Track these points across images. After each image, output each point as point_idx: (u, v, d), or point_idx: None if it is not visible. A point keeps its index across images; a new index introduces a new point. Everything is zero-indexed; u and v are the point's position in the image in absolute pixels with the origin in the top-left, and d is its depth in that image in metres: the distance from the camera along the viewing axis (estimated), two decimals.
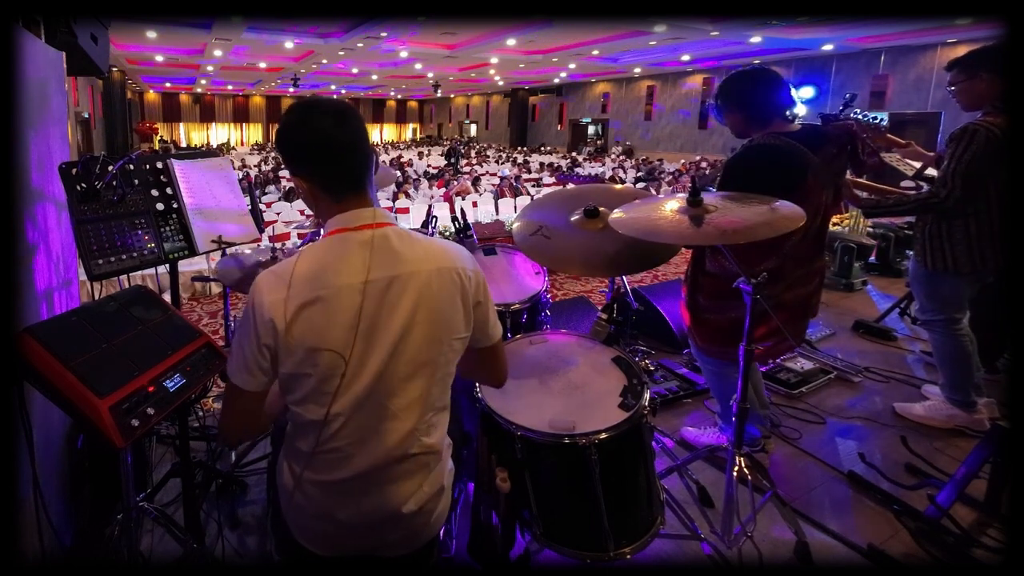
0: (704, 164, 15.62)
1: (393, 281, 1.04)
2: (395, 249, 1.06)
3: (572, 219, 1.94)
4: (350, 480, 1.07)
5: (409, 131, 36.45)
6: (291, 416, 1.09)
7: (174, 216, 1.86)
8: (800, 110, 2.34)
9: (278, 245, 6.33)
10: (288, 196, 9.89)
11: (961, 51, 2.51)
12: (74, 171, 1.66)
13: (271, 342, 1.00)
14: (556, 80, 22.35)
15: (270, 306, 0.99)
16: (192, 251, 1.86)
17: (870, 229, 5.42)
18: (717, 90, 2.11)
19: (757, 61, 15.46)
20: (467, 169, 14.90)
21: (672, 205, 1.60)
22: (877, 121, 2.47)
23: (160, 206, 1.83)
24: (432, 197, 10.11)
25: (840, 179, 2.04)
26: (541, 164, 16.65)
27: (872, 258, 5.11)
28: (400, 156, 19.11)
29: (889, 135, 2.73)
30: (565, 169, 15.27)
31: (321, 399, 1.03)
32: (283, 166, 16.58)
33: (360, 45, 13.35)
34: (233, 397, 1.07)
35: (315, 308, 1.00)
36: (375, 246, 1.05)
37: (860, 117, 2.46)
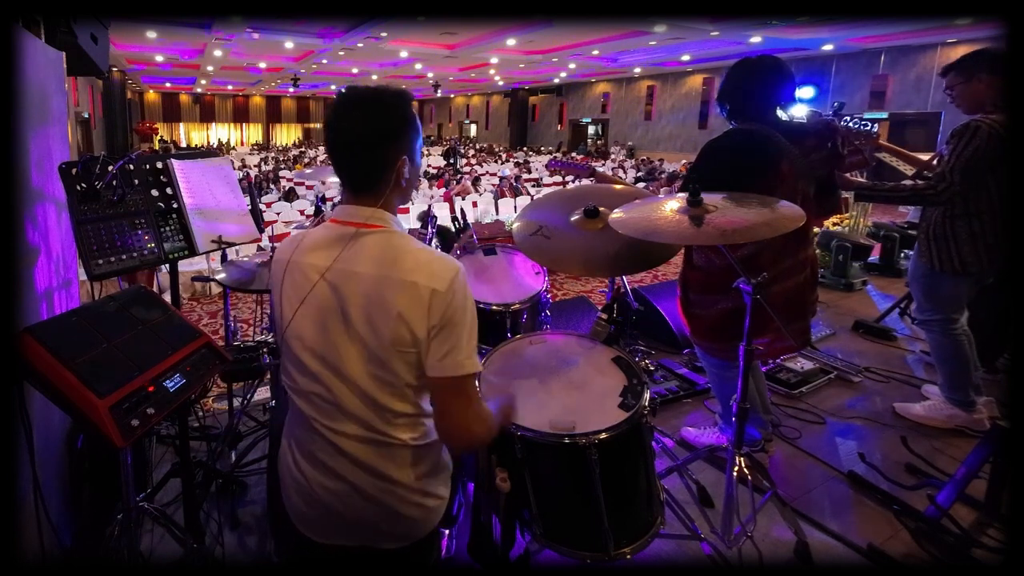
0: None
1: (352, 277, 1.06)
2: (368, 249, 1.07)
3: (572, 219, 1.94)
4: (324, 459, 1.11)
5: None
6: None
7: (174, 216, 1.86)
8: (799, 110, 2.34)
9: (278, 245, 6.31)
10: (288, 196, 9.91)
11: (961, 51, 2.52)
12: (74, 171, 1.66)
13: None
14: (556, 80, 22.34)
15: (271, 265, 1.21)
16: (192, 251, 1.86)
17: (870, 228, 5.42)
18: (727, 72, 2.10)
19: None
20: (467, 169, 14.90)
21: (672, 205, 1.60)
22: (869, 127, 2.48)
23: (160, 206, 1.83)
24: (432, 197, 10.11)
25: (820, 172, 2.03)
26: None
27: (875, 257, 5.11)
28: None
29: (883, 141, 2.73)
30: (560, 156, 15.24)
31: (287, 365, 1.15)
32: (283, 166, 16.49)
33: (360, 45, 13.35)
34: None
35: (285, 275, 1.14)
36: (352, 242, 1.09)
37: (851, 124, 2.46)
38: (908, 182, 2.45)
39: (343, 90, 1.10)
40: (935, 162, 2.70)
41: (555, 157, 14.79)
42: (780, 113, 2.03)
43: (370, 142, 1.06)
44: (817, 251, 4.61)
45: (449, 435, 1.10)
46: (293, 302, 1.11)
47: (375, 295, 1.05)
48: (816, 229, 4.84)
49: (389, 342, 1.05)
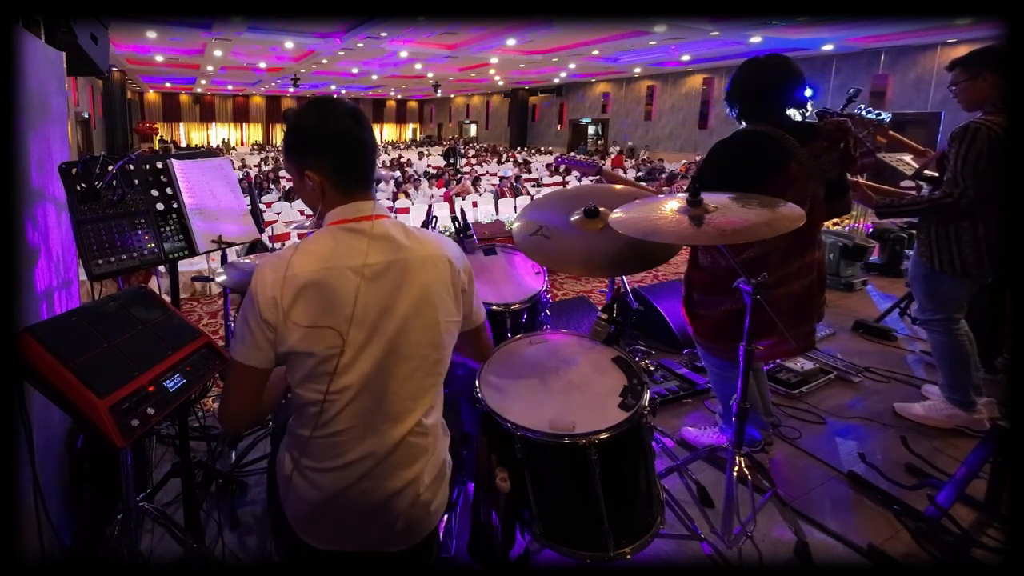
0: None
1: (391, 265, 1.09)
2: (392, 236, 1.12)
3: (572, 219, 1.94)
4: (349, 466, 1.09)
5: (409, 131, 36.44)
6: (294, 399, 1.12)
7: (174, 216, 1.86)
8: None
9: (278, 245, 6.31)
10: (288, 196, 9.90)
11: (961, 51, 2.52)
12: (74, 171, 1.66)
13: (272, 319, 1.04)
14: (556, 80, 22.34)
15: (272, 284, 1.04)
16: (192, 251, 1.86)
17: (868, 228, 5.42)
18: (733, 74, 2.07)
19: None
20: (467, 169, 14.90)
21: (672, 205, 1.60)
22: (880, 118, 2.47)
23: (160, 206, 1.83)
24: (432, 197, 10.11)
25: (830, 174, 2.03)
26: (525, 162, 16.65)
27: (876, 258, 5.10)
28: (400, 156, 19.11)
29: (893, 132, 2.73)
30: (562, 153, 15.26)
31: (321, 379, 1.07)
32: (285, 160, 16.60)
33: (360, 45, 13.34)
34: (236, 376, 1.10)
35: (315, 288, 1.05)
36: (373, 234, 1.10)
37: (864, 113, 2.45)
38: (911, 188, 2.45)
39: (334, 99, 1.13)
40: (936, 160, 2.71)
41: (562, 155, 14.84)
42: (792, 112, 1.99)
43: (375, 144, 1.17)
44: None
45: (481, 356, 1.48)
46: (344, 310, 1.05)
47: (420, 276, 1.11)
48: None
49: (443, 317, 1.14)
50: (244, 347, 1.08)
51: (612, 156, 19.07)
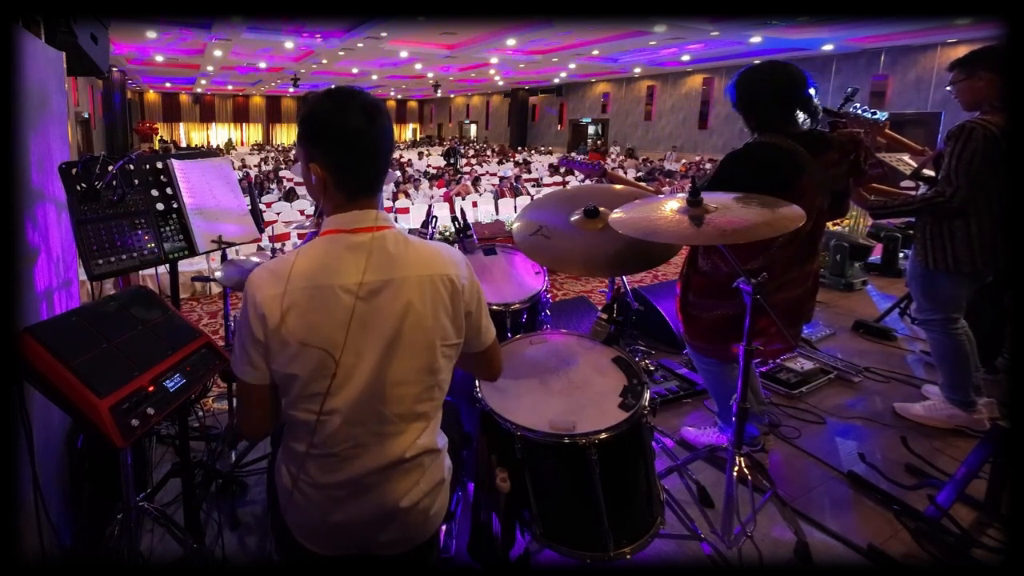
0: (707, 164, 15.63)
1: (387, 285, 1.04)
2: (391, 253, 1.06)
3: (572, 219, 1.94)
4: (346, 483, 1.08)
5: (409, 131, 36.46)
6: (285, 417, 1.10)
7: (174, 216, 1.86)
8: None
9: (278, 245, 6.31)
10: (288, 196, 9.91)
11: (961, 51, 2.52)
12: (74, 171, 1.66)
13: (263, 337, 1.01)
14: (556, 80, 22.34)
15: (263, 302, 1.01)
16: (192, 251, 1.86)
17: (870, 228, 5.42)
18: (735, 82, 2.01)
19: (757, 61, 15.43)
20: (467, 169, 14.91)
21: (672, 205, 1.60)
22: (876, 117, 2.47)
23: (160, 206, 1.83)
24: (432, 197, 10.12)
25: (838, 186, 2.01)
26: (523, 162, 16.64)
27: (875, 258, 5.10)
28: (400, 156, 19.12)
29: (890, 132, 2.72)
30: (565, 154, 15.26)
31: (312, 400, 1.03)
32: (283, 165, 16.47)
33: (360, 45, 13.35)
34: (244, 392, 1.09)
35: (307, 306, 1.00)
36: (372, 249, 1.05)
37: (860, 112, 2.45)
38: (911, 188, 2.45)
39: (352, 91, 1.05)
40: (928, 160, 2.71)
41: (564, 156, 14.84)
42: (802, 117, 1.92)
43: (390, 146, 1.10)
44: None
45: (489, 377, 1.35)
46: (337, 330, 1.01)
47: (418, 297, 1.06)
48: None
49: (438, 340, 1.08)
50: (244, 366, 1.05)
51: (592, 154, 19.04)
